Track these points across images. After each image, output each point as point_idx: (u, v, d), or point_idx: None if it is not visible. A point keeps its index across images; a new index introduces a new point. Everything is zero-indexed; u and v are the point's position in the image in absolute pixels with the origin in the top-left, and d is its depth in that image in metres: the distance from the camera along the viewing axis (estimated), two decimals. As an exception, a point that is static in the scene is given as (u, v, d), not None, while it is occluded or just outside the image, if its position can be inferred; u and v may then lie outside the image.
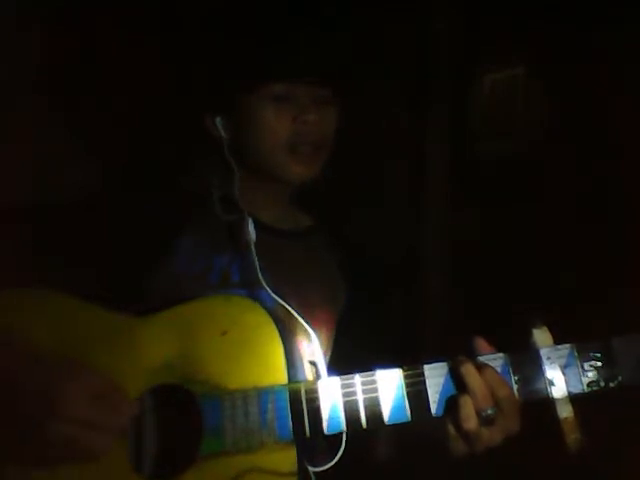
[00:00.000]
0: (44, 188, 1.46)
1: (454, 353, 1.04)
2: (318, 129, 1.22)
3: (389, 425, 1.03)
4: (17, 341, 1.00)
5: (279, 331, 1.07)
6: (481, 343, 1.05)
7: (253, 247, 1.18)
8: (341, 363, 1.17)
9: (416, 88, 2.17)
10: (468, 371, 1.01)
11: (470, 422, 1.00)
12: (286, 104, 1.20)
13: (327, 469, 1.08)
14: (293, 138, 1.20)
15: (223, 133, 1.23)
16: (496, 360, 1.03)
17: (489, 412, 1.00)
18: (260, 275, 1.15)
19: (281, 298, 1.16)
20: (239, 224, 1.21)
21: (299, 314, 1.15)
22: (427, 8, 2.15)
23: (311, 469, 1.08)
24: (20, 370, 0.96)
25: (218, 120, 1.23)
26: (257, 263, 1.16)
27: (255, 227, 1.20)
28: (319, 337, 1.16)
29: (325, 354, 1.22)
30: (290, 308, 1.15)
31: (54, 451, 0.95)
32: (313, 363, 1.13)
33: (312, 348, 1.14)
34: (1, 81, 1.52)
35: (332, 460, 1.08)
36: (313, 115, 1.20)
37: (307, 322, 1.15)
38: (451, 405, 1.02)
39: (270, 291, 1.15)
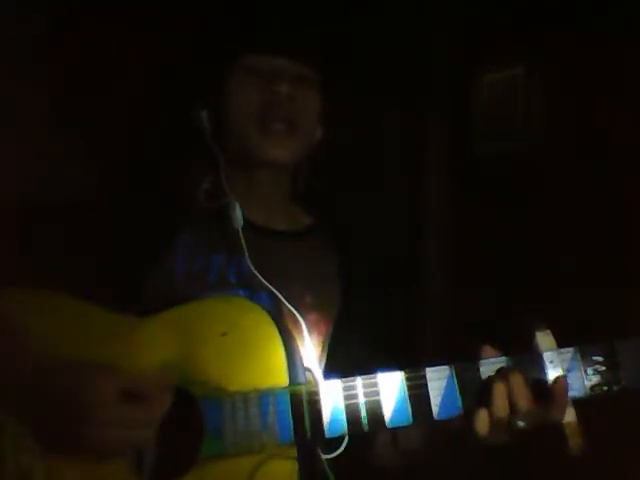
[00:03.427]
0: (43, 188, 1.46)
1: (456, 355, 1.04)
2: (291, 106, 1.20)
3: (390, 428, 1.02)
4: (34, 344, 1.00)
5: (280, 332, 1.06)
6: (484, 347, 1.05)
7: (241, 232, 1.17)
8: (340, 364, 1.16)
9: (416, 88, 2.16)
10: (498, 389, 0.99)
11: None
12: (257, 76, 1.19)
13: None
14: (262, 111, 1.19)
15: (206, 123, 1.23)
16: (499, 363, 1.03)
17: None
18: (250, 263, 1.15)
19: (277, 299, 1.15)
20: (226, 211, 1.20)
21: (297, 310, 1.15)
22: (427, 8, 2.15)
23: (324, 456, 1.07)
24: (44, 376, 0.96)
25: (204, 114, 1.23)
26: (246, 249, 1.16)
27: (248, 228, 1.19)
28: (314, 338, 1.16)
29: (321, 356, 1.21)
30: (287, 303, 1.14)
31: (93, 453, 0.96)
32: (309, 366, 1.13)
33: (307, 350, 1.14)
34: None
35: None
36: (284, 87, 1.18)
37: (304, 321, 1.15)
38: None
39: (263, 280, 1.14)
